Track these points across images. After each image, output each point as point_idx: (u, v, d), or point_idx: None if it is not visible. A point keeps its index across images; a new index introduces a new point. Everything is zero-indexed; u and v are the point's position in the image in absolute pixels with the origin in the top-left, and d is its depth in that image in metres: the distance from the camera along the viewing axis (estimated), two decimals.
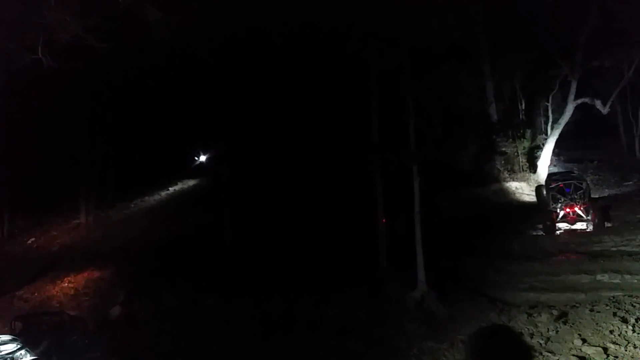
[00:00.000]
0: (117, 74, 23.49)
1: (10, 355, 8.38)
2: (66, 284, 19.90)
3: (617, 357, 8.24)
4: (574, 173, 22.75)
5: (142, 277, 18.94)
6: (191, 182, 34.08)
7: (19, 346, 8.77)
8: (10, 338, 9.29)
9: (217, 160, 24.87)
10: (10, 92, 19.86)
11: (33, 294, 19.40)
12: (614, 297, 11.50)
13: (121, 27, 15.41)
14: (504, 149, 28.40)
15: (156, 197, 32.39)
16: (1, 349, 8.49)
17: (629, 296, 11.32)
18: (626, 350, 8.39)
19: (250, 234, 22.71)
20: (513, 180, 26.79)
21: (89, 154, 28.52)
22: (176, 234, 24.44)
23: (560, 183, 20.00)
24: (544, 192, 20.35)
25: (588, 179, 24.77)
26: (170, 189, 33.51)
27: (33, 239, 26.52)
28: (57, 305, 18.06)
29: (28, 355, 8.69)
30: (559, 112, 28.13)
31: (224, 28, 20.03)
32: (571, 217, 18.76)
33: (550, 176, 21.93)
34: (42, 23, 13.33)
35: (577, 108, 27.02)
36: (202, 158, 32.09)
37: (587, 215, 18.61)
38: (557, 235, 18.59)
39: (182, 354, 12.56)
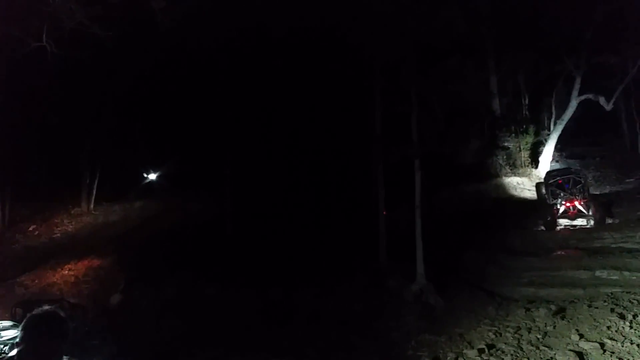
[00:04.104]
0: (122, 67, 23.53)
1: (12, 341, 8.47)
2: (67, 272, 19.99)
3: (613, 352, 8.28)
4: (572, 169, 22.75)
5: (143, 266, 19.03)
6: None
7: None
8: (11, 324, 9.38)
9: (218, 149, 24.86)
10: (15, 80, 19.89)
11: (33, 281, 19.49)
12: (612, 294, 11.54)
13: (126, 15, 15.43)
14: (506, 144, 28.37)
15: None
16: (2, 335, 8.58)
17: (627, 293, 11.36)
18: (623, 346, 8.43)
19: (251, 225, 22.77)
20: (515, 176, 26.77)
21: (91, 144, 28.59)
22: (177, 224, 24.51)
23: (559, 179, 20.04)
24: (544, 189, 20.38)
25: (590, 175, 24.78)
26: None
27: (34, 227, 26.57)
28: (58, 292, 18.14)
29: None
30: (562, 108, 28.06)
31: (226, 21, 20.03)
32: (572, 212, 18.79)
33: (549, 173, 21.93)
34: (47, 10, 13.33)
35: (580, 104, 26.95)
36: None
37: (587, 211, 18.63)
38: (557, 231, 18.61)
39: (181, 342, 12.65)
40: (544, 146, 28.08)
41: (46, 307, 3.19)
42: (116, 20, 15.42)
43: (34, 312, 3.08)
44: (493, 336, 10.47)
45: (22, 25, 14.15)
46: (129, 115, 28.96)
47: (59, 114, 24.79)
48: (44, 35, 14.34)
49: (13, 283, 19.30)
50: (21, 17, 13.99)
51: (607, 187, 24.96)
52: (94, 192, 29.20)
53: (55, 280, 19.35)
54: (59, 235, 25.76)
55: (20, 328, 2.94)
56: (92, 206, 28.91)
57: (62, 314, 3.10)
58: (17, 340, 2.97)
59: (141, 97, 27.72)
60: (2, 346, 8.01)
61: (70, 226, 26.85)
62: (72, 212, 28.47)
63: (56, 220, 27.43)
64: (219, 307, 14.94)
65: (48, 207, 28.21)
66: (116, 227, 26.11)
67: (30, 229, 26.38)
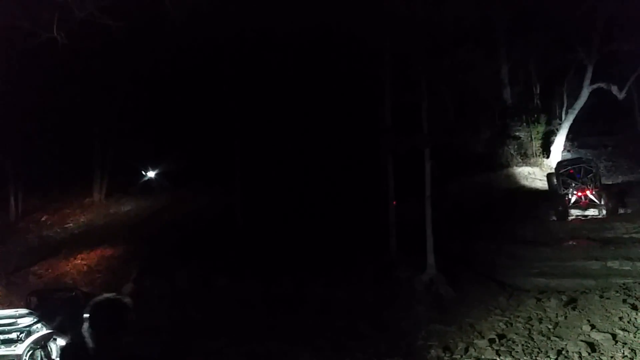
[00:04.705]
0: (132, 59, 23.58)
1: (28, 329, 8.63)
2: (79, 261, 20.21)
3: (625, 343, 8.26)
4: (583, 158, 22.58)
5: (154, 256, 19.18)
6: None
7: (35, 320, 9.03)
8: (27, 312, 9.53)
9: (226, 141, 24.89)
10: (26, 72, 20.00)
11: (47, 270, 19.73)
12: (624, 284, 11.51)
13: (136, 7, 15.46)
14: (517, 134, 28.16)
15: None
16: (19, 322, 8.73)
17: (639, 283, 11.31)
18: (635, 337, 8.41)
19: (261, 216, 22.82)
20: (526, 165, 26.59)
21: (102, 134, 28.76)
22: (188, 215, 24.63)
23: (570, 168, 19.91)
24: (555, 179, 20.25)
25: (602, 165, 24.59)
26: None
27: (47, 217, 26.85)
28: (71, 281, 18.38)
29: (44, 329, 8.95)
30: (574, 97, 27.78)
31: (235, 14, 19.99)
32: (583, 202, 18.67)
33: (560, 163, 21.81)
34: (57, 1, 13.37)
35: (592, 93, 26.67)
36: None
37: (599, 201, 18.50)
38: (569, 221, 18.51)
39: (192, 331, 12.76)
40: (556, 136, 27.85)
41: (108, 295, 3.16)
42: (126, 12, 15.44)
43: (96, 299, 3.06)
44: (504, 326, 10.47)
45: (32, 16, 14.20)
46: (138, 106, 29.01)
47: (69, 106, 24.91)
48: (55, 27, 14.38)
49: (27, 272, 19.59)
50: (32, 8, 14.05)
51: (620, 176, 24.77)
52: (106, 183, 29.42)
53: (68, 269, 19.59)
54: (71, 225, 26.03)
55: (85, 314, 2.92)
56: (103, 197, 29.13)
57: (125, 301, 3.08)
58: (83, 327, 2.94)
59: (150, 88, 27.78)
60: (18, 333, 8.16)
61: (83, 216, 27.10)
62: (84, 202, 28.71)
63: (68, 211, 27.70)
64: (230, 297, 15.04)
65: (60, 198, 28.50)
66: (127, 217, 26.32)
67: (43, 219, 26.67)
